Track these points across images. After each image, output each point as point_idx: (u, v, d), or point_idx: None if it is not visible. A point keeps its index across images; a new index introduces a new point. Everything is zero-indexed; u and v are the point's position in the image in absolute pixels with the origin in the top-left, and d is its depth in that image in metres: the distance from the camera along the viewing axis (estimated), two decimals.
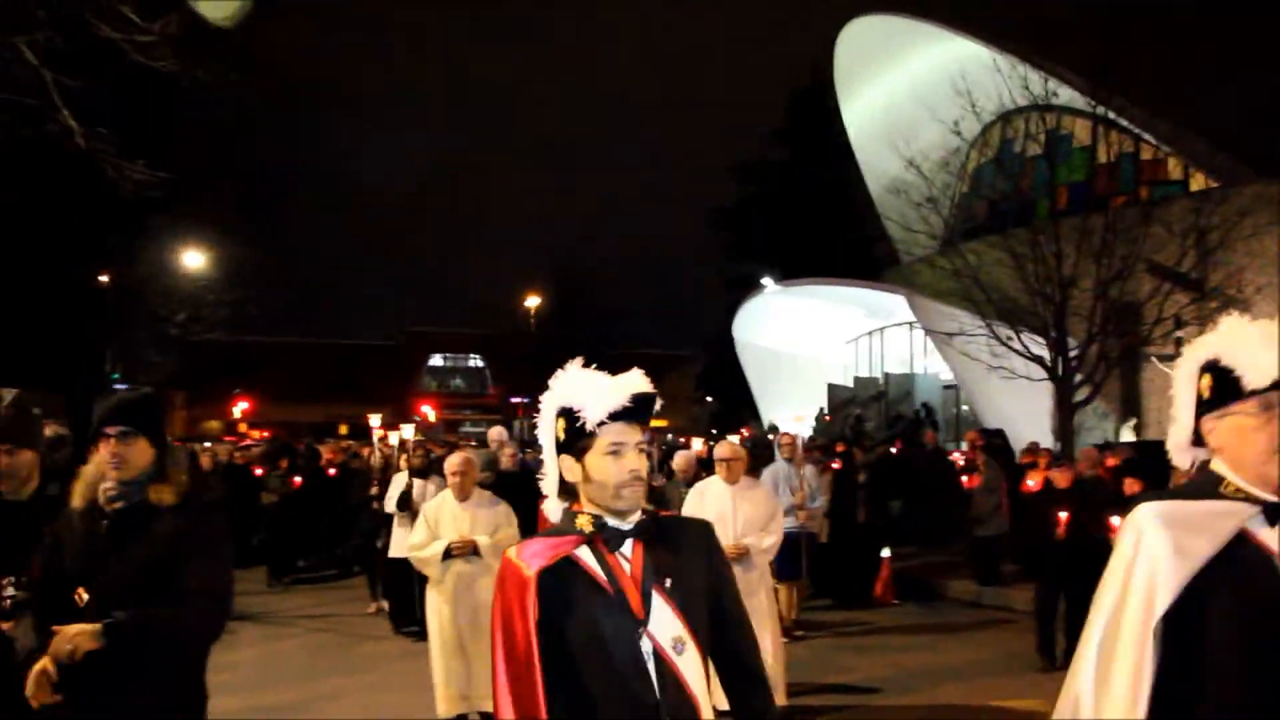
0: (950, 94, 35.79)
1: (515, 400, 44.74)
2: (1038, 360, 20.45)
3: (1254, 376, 2.15)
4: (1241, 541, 2.14)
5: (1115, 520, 8.99)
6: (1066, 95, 30.73)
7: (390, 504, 12.03)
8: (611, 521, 2.52)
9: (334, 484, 17.20)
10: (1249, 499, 2.19)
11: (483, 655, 6.24)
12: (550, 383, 2.52)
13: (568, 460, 2.53)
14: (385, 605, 12.91)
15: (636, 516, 2.54)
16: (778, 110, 50.90)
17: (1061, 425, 20.52)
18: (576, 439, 2.49)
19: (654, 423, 3.14)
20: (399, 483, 11.94)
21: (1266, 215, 23.34)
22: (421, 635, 9.40)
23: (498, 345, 58.18)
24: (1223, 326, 2.30)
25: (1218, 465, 2.29)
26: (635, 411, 2.47)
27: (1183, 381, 2.35)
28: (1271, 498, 2.18)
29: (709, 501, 7.71)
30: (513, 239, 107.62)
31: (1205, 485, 2.27)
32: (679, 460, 11.36)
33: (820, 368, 40.66)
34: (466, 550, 7.33)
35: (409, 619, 11.32)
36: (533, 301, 48.64)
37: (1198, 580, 2.12)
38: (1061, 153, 35.13)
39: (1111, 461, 13.54)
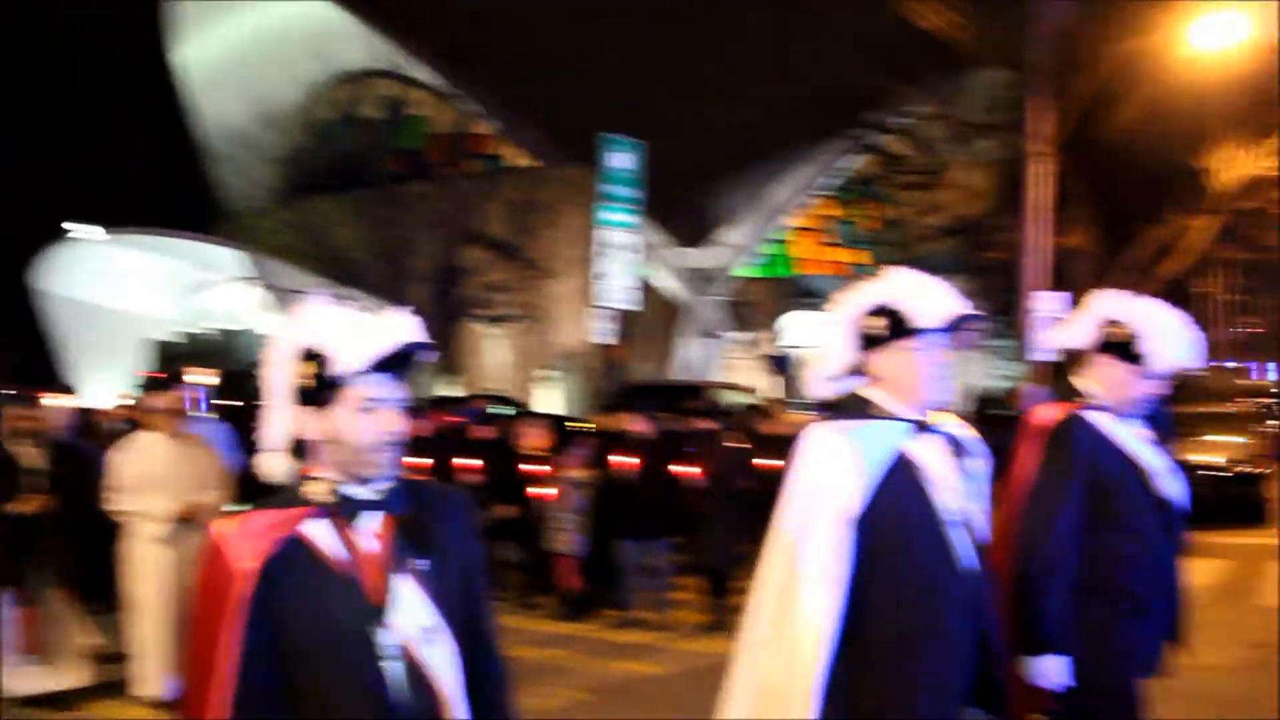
0: (300, 48, 35.17)
1: None
2: None
3: (921, 318, 2.58)
4: (899, 454, 2.55)
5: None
6: (418, 71, 31.75)
7: None
8: (353, 490, 2.10)
9: None
10: (897, 419, 2.60)
11: None
12: (289, 317, 2.12)
13: (307, 413, 2.08)
14: None
15: (384, 485, 2.12)
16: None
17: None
18: (323, 389, 2.05)
19: None
20: None
21: (580, 197, 25.98)
22: None
23: None
24: (892, 277, 2.69)
25: (867, 392, 2.65)
26: (400, 363, 2.08)
27: (844, 324, 2.69)
28: (919, 417, 2.61)
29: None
30: None
31: (861, 409, 2.64)
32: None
33: (145, 324, 37.56)
34: None
35: None
36: None
37: (878, 485, 2.49)
38: (404, 120, 36.26)
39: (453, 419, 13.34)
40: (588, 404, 23.23)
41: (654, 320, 24.76)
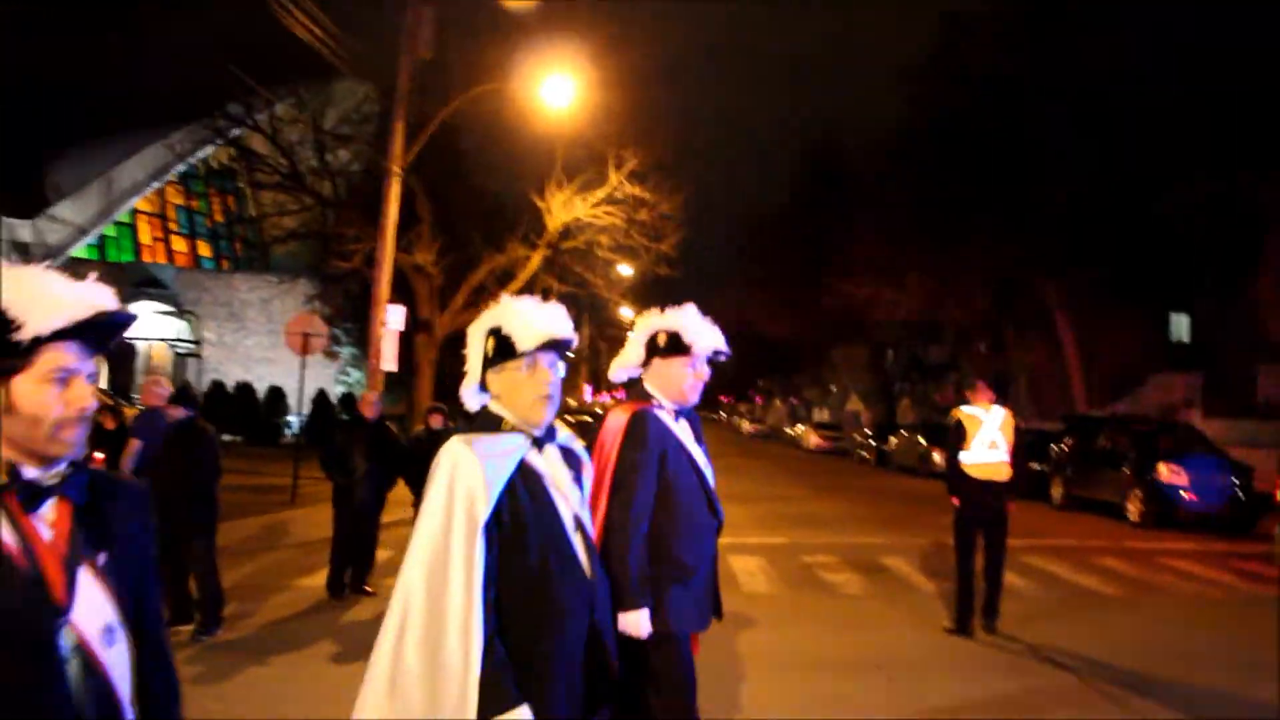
0: None
1: None
2: None
3: (521, 341, 2.81)
4: (521, 464, 2.79)
5: None
6: None
7: None
8: (30, 473, 1.85)
9: None
10: (521, 432, 2.84)
11: None
12: None
13: None
14: None
15: (61, 469, 1.88)
16: None
17: None
18: (5, 355, 1.82)
19: None
20: None
21: None
22: None
23: None
24: (503, 302, 2.91)
25: (495, 407, 2.88)
26: (97, 332, 1.87)
27: (474, 343, 2.92)
28: (537, 432, 2.85)
29: None
30: None
31: (490, 423, 2.86)
32: None
33: None
34: None
35: None
36: None
37: (503, 494, 2.70)
38: None
39: None
40: None
41: None
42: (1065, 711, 6.11)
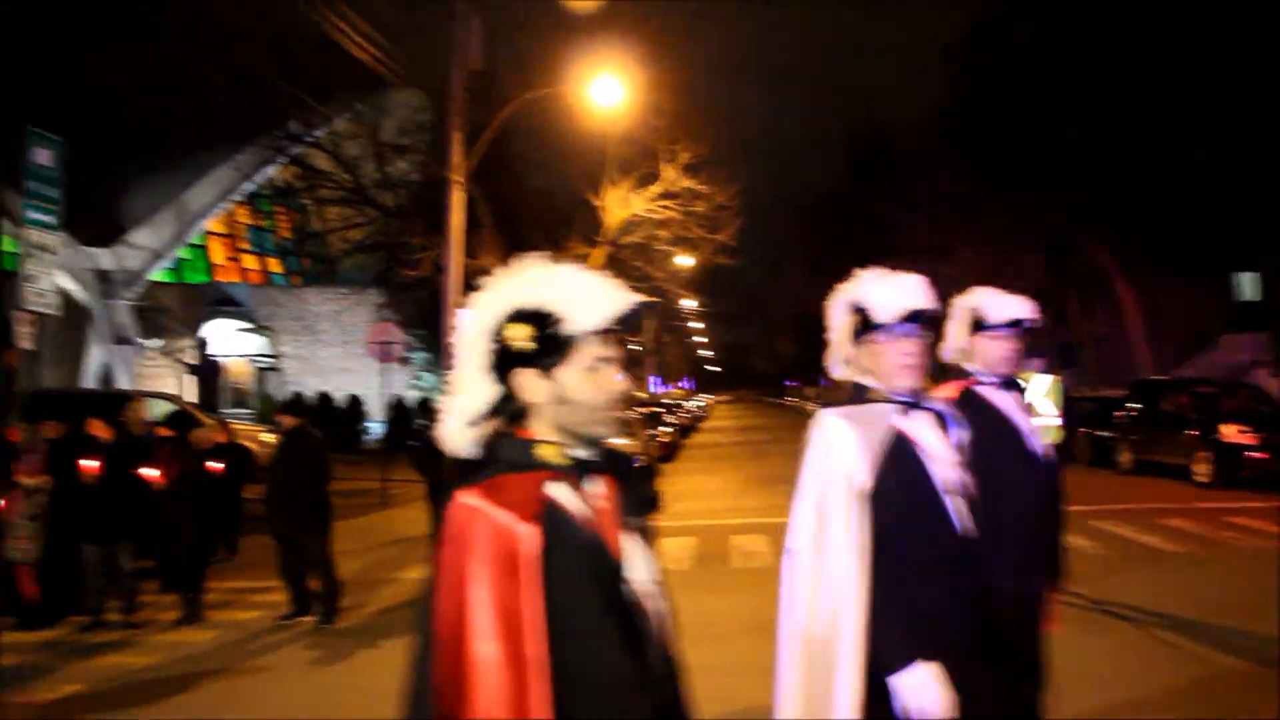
0: None
1: None
2: None
3: (881, 313, 2.90)
4: (892, 431, 2.87)
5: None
6: None
7: None
8: (579, 452, 2.07)
9: None
10: (890, 401, 2.92)
11: None
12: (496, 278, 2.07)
13: (529, 375, 2.03)
14: None
15: (598, 446, 2.10)
16: None
17: None
18: (551, 350, 2.02)
19: None
20: None
21: None
22: None
23: None
24: (860, 277, 3.02)
25: (861, 378, 2.98)
26: (625, 324, 2.07)
27: (836, 316, 3.03)
28: (903, 399, 2.92)
29: None
30: None
31: (859, 394, 2.97)
32: None
33: None
34: None
35: None
36: None
37: (878, 460, 2.80)
38: None
39: None
40: None
41: (54, 325, 22.93)
42: (1124, 657, 6.54)
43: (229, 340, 35.80)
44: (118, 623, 8.33)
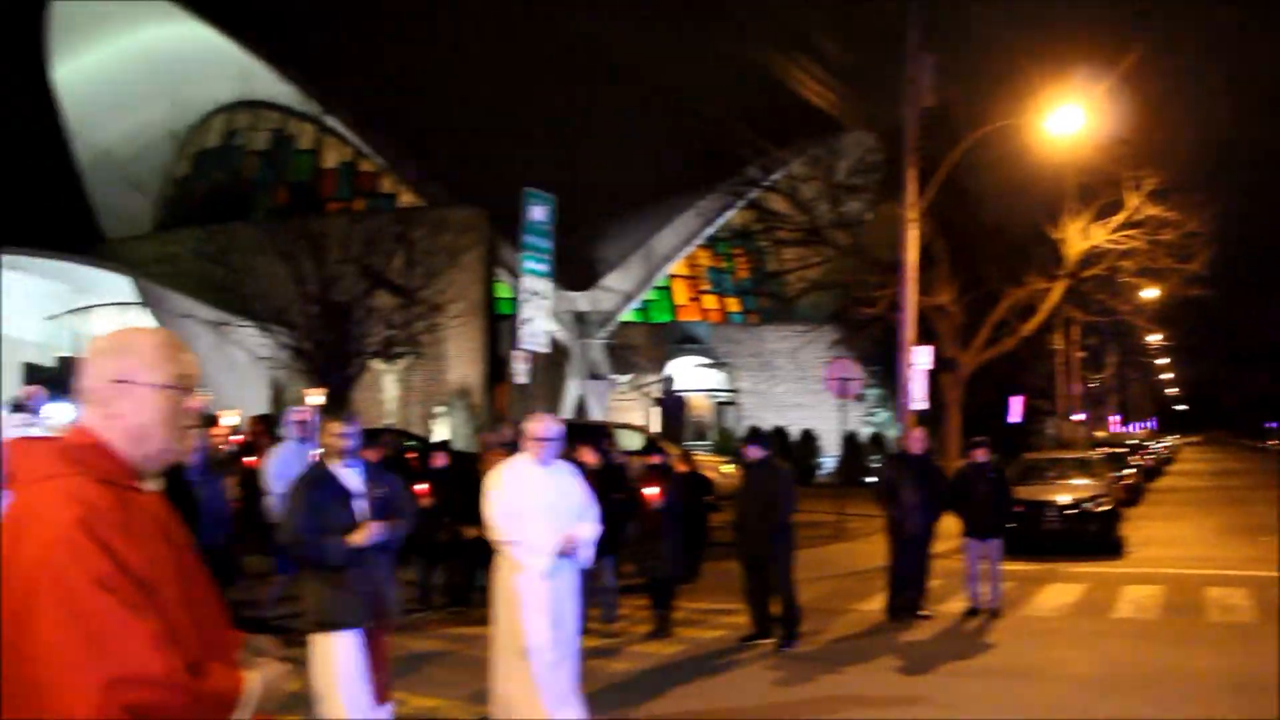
0: (181, 74, 35.11)
1: None
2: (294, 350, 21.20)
3: None
4: None
5: None
6: (290, 96, 32.25)
7: None
8: None
9: None
10: None
11: None
12: None
13: None
14: None
15: None
16: None
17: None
18: None
19: None
20: None
21: (469, 237, 26.82)
22: None
23: None
24: None
25: None
26: None
27: None
28: None
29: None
30: None
31: None
32: None
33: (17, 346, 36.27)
34: None
35: None
36: None
37: None
38: (284, 153, 36.58)
39: None
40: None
41: (540, 362, 25.81)
42: None
43: (691, 376, 38.04)
44: (600, 631, 9.18)
